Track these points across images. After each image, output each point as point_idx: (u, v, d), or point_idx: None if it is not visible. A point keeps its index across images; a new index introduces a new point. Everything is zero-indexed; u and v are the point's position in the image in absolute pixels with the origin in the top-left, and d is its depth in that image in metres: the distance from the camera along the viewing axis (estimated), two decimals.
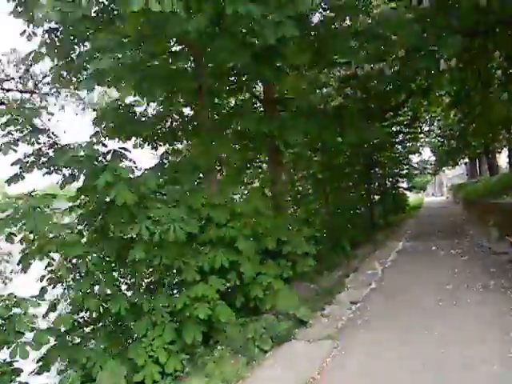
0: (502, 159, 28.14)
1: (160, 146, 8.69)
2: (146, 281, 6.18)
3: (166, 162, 6.90)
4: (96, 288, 5.29)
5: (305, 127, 7.34)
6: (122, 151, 5.62)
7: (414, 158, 34.22)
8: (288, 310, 5.65)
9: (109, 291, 5.34)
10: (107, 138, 8.00)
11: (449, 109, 16.50)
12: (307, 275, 8.26)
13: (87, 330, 5.60)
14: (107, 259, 5.74)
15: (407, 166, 26.20)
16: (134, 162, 5.74)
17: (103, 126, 7.94)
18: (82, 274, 5.42)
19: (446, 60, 8.43)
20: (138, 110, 8.29)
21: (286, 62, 7.08)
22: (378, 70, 10.02)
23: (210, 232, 5.75)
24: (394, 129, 19.97)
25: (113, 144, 7.44)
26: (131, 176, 5.32)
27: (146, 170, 6.76)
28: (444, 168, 36.83)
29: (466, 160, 33.41)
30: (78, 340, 5.55)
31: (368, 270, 8.94)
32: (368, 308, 6.12)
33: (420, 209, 30.96)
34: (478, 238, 11.47)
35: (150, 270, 5.92)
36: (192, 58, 6.77)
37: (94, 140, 6.00)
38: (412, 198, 34.68)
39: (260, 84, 9.46)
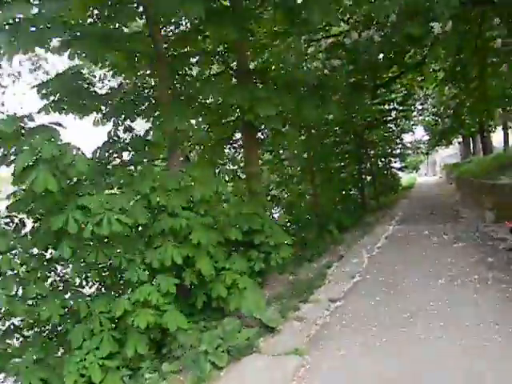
0: (495, 139, 27.21)
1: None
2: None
3: (116, 139, 5.87)
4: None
5: (280, 99, 6.30)
6: (53, 126, 4.59)
7: (407, 137, 33.28)
8: (253, 313, 4.77)
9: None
10: (58, 112, 6.95)
11: (443, 84, 15.42)
12: (285, 266, 7.42)
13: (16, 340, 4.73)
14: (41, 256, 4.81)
15: (400, 146, 25.23)
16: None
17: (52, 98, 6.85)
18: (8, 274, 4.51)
19: (441, 23, 7.38)
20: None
21: (254, 24, 6.00)
22: (366, 37, 8.94)
23: (161, 222, 4.79)
24: (386, 106, 18.90)
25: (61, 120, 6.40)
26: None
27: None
28: (437, 147, 35.87)
29: (460, 139, 32.48)
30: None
31: (354, 258, 8.08)
32: (348, 308, 5.24)
33: (412, 189, 30.13)
34: (473, 222, 10.64)
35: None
36: (144, 17, 5.65)
37: (24, 114, 4.96)
38: (405, 177, 33.85)
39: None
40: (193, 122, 6.59)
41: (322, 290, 6.11)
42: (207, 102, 7.32)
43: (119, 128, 6.07)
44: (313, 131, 12.77)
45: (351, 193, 19.30)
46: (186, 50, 6.98)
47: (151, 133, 6.26)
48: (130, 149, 5.82)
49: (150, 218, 4.89)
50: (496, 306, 4.70)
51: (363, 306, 5.25)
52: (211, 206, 5.43)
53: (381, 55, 10.44)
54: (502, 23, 9.85)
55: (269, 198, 11.39)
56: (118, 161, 5.75)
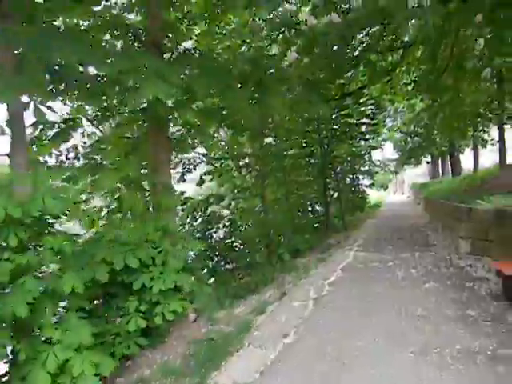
0: (464, 161, 26.26)
1: None
2: None
3: None
4: None
5: (188, 80, 4.29)
6: None
7: (376, 154, 32.11)
8: None
9: None
10: None
11: (414, 96, 13.89)
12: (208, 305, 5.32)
13: None
14: None
15: (369, 162, 23.76)
16: None
17: None
18: None
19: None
20: None
21: None
22: (326, 22, 7.11)
23: None
24: (353, 120, 17.31)
25: None
26: None
27: None
28: (406, 166, 34.93)
29: (428, 159, 31.57)
30: None
31: (297, 299, 6.06)
32: None
33: (380, 208, 28.71)
34: (444, 251, 8.88)
35: None
36: None
37: None
38: (374, 195, 32.52)
39: None
40: None
41: (232, 362, 4.01)
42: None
43: None
44: (270, 140, 10.89)
45: (314, 210, 17.48)
46: None
47: None
48: None
49: None
50: None
51: None
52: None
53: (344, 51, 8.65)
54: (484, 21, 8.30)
55: (208, 214, 9.30)
56: None
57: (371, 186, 26.18)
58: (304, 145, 17.05)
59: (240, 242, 9.22)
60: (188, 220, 8.94)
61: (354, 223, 17.91)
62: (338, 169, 19.63)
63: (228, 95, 4.75)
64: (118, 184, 5.19)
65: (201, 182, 9.90)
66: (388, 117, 25.76)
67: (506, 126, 16.16)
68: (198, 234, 8.99)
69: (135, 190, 5.22)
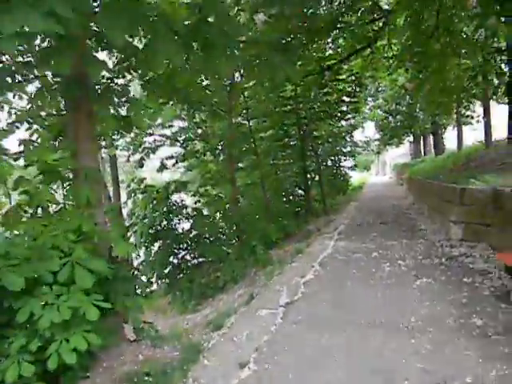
0: (445, 142, 25.43)
1: None
2: None
3: None
4: None
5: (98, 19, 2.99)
6: None
7: (358, 135, 31.15)
8: None
9: None
10: None
11: (397, 67, 12.73)
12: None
13: None
14: None
15: (350, 143, 22.69)
16: None
17: None
18: None
19: None
20: None
21: None
22: None
23: None
24: (333, 97, 16.10)
25: None
26: None
27: None
28: (388, 147, 34.09)
29: (410, 139, 30.74)
30: None
31: (264, 307, 4.95)
32: None
33: (363, 189, 27.84)
34: (434, 237, 7.90)
35: None
36: None
37: None
38: (356, 177, 31.65)
39: None
40: None
41: None
42: None
43: None
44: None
45: (295, 194, 16.40)
46: None
47: None
48: None
49: None
50: None
51: None
52: None
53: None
54: None
55: (170, 203, 8.04)
56: None
57: (354, 167, 25.24)
58: (283, 126, 15.83)
59: (208, 233, 8.03)
60: (146, 211, 7.70)
61: (335, 207, 16.92)
62: (320, 151, 18.54)
63: (159, 47, 3.47)
64: (24, 173, 3.91)
65: (161, 168, 8.63)
66: (370, 96, 24.68)
67: (491, 102, 15.28)
68: (158, 227, 7.77)
69: (49, 180, 3.94)
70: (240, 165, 12.17)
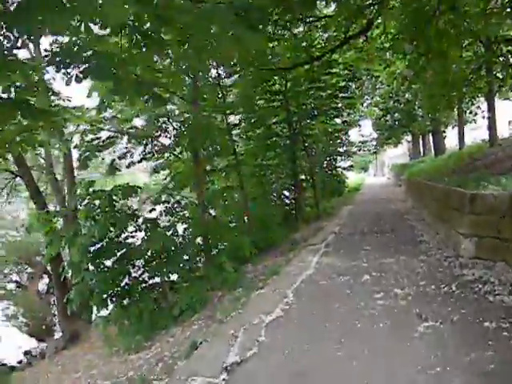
0: (447, 140, 23.83)
1: None
2: None
3: None
4: None
5: None
6: None
7: (354, 135, 29.66)
8: None
9: None
10: None
11: (394, 58, 11.22)
12: None
13: None
14: None
15: (346, 142, 21.17)
16: None
17: None
18: None
19: None
20: None
21: None
22: None
23: None
24: (325, 92, 14.59)
25: None
26: None
27: None
28: (385, 147, 32.54)
29: (409, 138, 29.19)
30: None
31: (204, 368, 3.44)
32: None
33: (360, 191, 26.26)
34: (439, 252, 6.38)
35: None
36: None
37: None
38: (353, 178, 30.10)
39: None
40: None
41: None
42: None
43: None
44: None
45: (284, 198, 14.89)
46: None
47: None
48: None
49: None
50: None
51: None
52: None
53: None
54: None
55: (118, 211, 6.52)
56: None
57: (350, 168, 23.74)
58: (271, 124, 14.34)
59: (166, 248, 6.53)
60: (87, 223, 6.20)
61: (329, 211, 15.39)
62: (313, 151, 17.04)
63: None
64: None
65: (111, 170, 7.11)
66: (366, 94, 23.14)
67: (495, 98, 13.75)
68: (105, 241, 6.24)
69: None
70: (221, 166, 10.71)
